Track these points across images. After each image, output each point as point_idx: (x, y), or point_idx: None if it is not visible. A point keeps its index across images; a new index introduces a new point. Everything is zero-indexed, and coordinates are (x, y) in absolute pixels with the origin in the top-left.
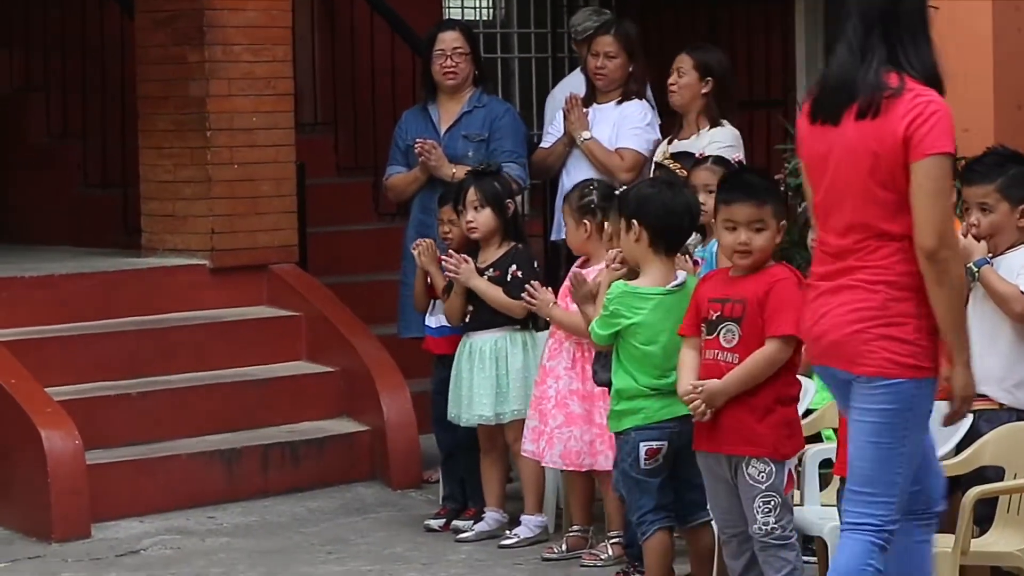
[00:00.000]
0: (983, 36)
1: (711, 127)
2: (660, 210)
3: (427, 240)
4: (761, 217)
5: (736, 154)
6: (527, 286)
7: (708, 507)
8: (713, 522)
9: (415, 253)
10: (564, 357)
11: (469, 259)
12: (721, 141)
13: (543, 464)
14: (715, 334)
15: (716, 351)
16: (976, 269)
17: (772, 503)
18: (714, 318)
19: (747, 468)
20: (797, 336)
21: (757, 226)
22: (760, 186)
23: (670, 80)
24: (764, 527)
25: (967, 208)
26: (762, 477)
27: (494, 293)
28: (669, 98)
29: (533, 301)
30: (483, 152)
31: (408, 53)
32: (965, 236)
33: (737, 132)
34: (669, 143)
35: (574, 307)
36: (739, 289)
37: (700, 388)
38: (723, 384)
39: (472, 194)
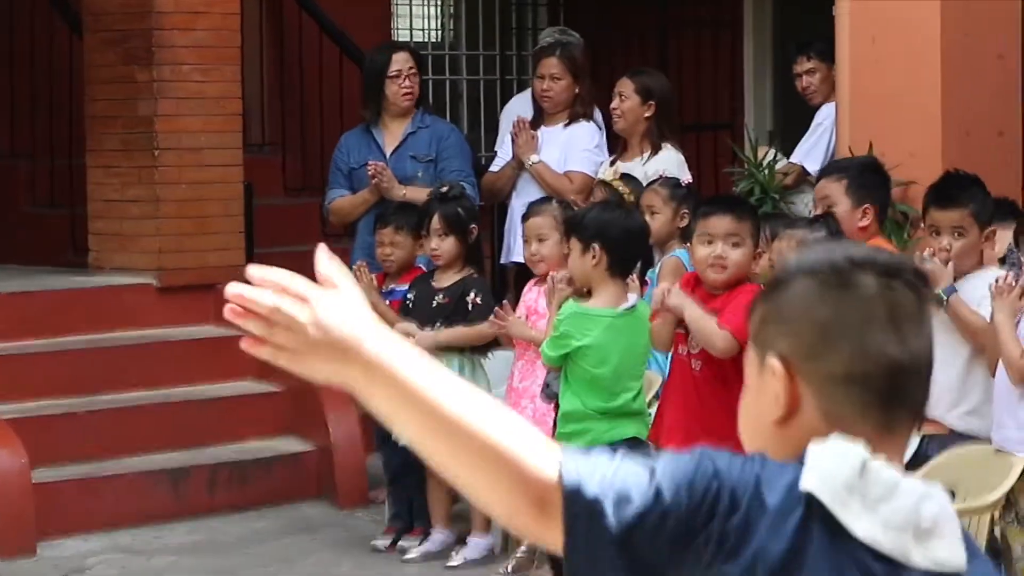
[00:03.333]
0: (931, 62)
1: (653, 152)
2: (621, 234)
3: (361, 264)
4: (738, 232)
5: (684, 177)
6: (497, 310)
7: None
8: None
9: (355, 278)
10: (539, 375)
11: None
12: (667, 170)
13: None
14: (686, 332)
15: (686, 349)
16: (946, 298)
17: None
18: None
19: None
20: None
21: (734, 240)
22: (740, 202)
23: (612, 104)
24: None
25: (936, 231)
26: None
27: (457, 335)
28: (613, 123)
29: (504, 324)
30: (432, 172)
31: (357, 74)
32: (932, 259)
33: (681, 156)
34: (612, 164)
35: (541, 324)
36: (712, 304)
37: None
38: (690, 307)
39: (436, 221)
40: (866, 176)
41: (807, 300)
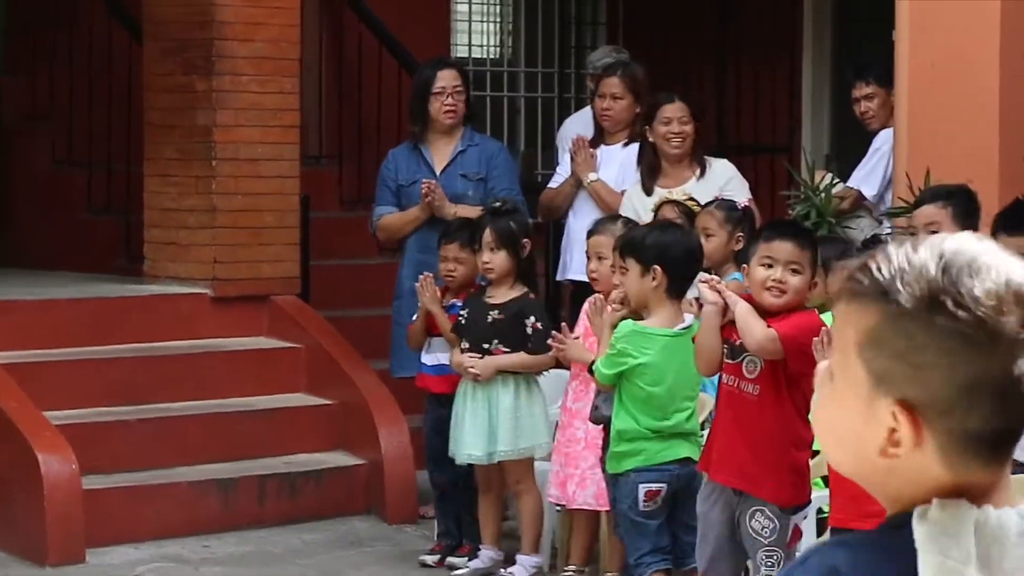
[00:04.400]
0: (990, 88)
1: (701, 168)
2: (682, 256)
3: (428, 276)
4: (799, 260)
5: (745, 186)
6: (555, 333)
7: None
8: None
9: (421, 290)
10: (592, 396)
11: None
12: (736, 176)
13: (574, 507)
14: (738, 360)
15: (737, 379)
16: None
17: (774, 557)
18: (738, 344)
19: (750, 521)
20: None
21: (794, 267)
22: (803, 230)
23: (671, 130)
24: None
25: None
26: (765, 532)
27: (516, 361)
28: (672, 149)
29: (562, 348)
30: (482, 191)
31: None
32: None
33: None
34: (649, 193)
35: None
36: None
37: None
38: (740, 303)
39: (488, 235)
40: (970, 204)
41: (947, 352)
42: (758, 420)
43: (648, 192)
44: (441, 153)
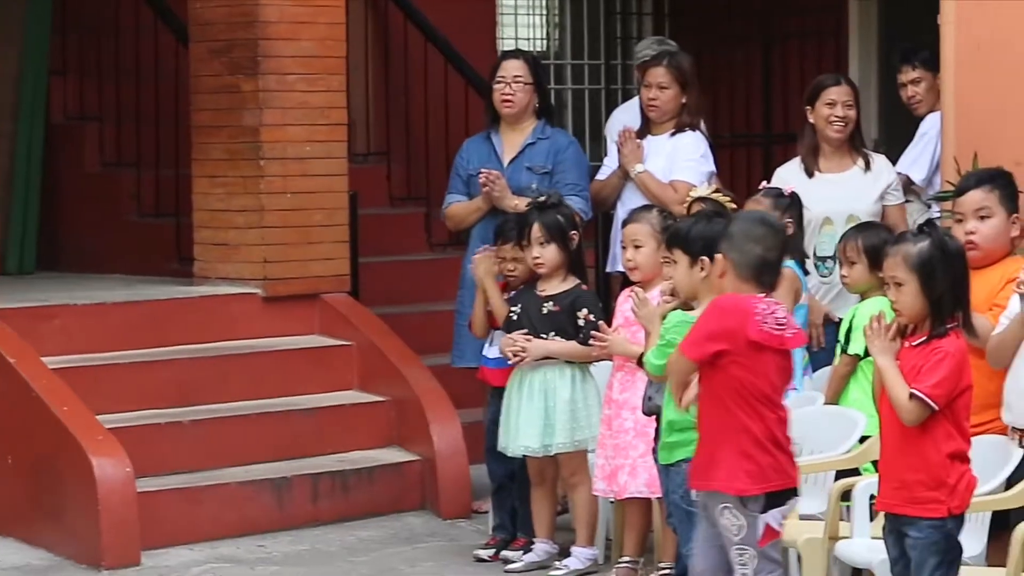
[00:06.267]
0: None
1: (866, 163)
2: None
3: (486, 249)
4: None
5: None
6: (594, 333)
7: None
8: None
9: (472, 267)
10: (639, 387)
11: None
12: (897, 179)
13: (626, 496)
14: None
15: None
16: None
17: (746, 556)
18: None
19: (720, 519)
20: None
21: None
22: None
23: (835, 113)
24: None
25: None
26: (733, 529)
27: (569, 349)
28: (833, 133)
29: (604, 343)
30: (546, 184)
31: (462, 84)
32: None
33: None
34: (810, 175)
35: (640, 336)
36: None
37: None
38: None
39: (537, 230)
40: (1011, 186)
41: None
42: (702, 415)
43: (810, 174)
44: (511, 144)
